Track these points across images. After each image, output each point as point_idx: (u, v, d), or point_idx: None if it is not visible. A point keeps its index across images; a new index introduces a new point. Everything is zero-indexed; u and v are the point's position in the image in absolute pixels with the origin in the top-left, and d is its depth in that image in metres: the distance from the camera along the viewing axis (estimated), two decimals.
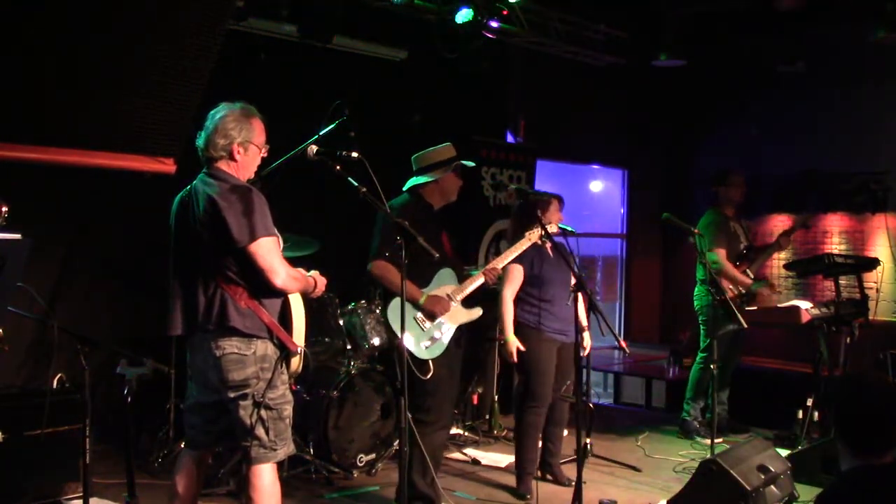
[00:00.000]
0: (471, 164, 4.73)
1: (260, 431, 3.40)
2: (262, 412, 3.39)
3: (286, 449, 3.51)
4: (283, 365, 3.50)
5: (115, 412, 4.71)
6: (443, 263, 4.50)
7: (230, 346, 3.37)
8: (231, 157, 3.47)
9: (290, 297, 3.57)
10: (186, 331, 3.49)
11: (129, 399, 4.36)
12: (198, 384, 3.56)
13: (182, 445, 3.71)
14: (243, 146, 3.47)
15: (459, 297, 4.61)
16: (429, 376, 4.39)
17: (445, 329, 4.53)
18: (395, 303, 4.37)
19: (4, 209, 3.33)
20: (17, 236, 2.68)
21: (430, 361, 4.43)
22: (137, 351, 3.90)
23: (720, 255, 6.33)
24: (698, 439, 6.39)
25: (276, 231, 3.42)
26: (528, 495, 5.09)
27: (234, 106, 3.50)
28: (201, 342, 3.43)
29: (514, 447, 5.27)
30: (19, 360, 5.14)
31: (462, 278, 4.68)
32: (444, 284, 4.59)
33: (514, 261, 5.00)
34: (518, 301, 5.11)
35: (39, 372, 5.15)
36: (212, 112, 3.52)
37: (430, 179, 4.60)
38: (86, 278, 5.56)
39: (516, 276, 5.09)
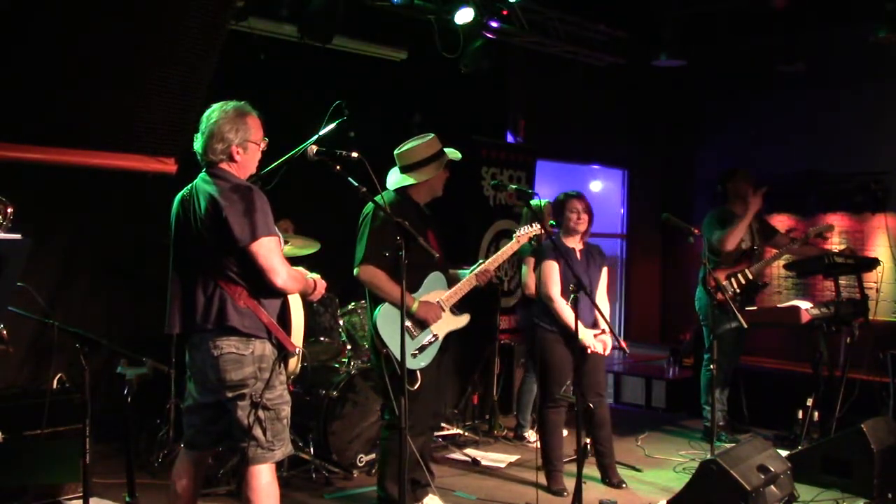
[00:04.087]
0: (457, 156, 4.60)
1: (257, 432, 3.40)
2: (260, 412, 3.39)
3: (284, 449, 3.51)
4: (282, 365, 3.49)
5: (115, 412, 4.71)
6: (433, 266, 4.38)
7: (228, 345, 3.36)
8: (231, 159, 3.46)
9: (289, 297, 3.56)
10: (185, 330, 3.48)
11: (129, 399, 4.37)
12: (197, 384, 3.55)
13: (181, 445, 3.71)
14: (242, 146, 3.46)
15: (450, 303, 4.49)
16: (416, 386, 4.27)
17: (434, 337, 4.41)
18: (385, 309, 4.27)
19: (10, 210, 3.34)
20: (17, 236, 2.68)
21: (418, 371, 4.32)
22: (137, 351, 3.89)
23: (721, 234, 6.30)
24: (724, 439, 6.32)
25: (277, 231, 3.41)
26: (564, 492, 5.12)
27: (227, 107, 3.48)
28: (200, 342, 3.43)
29: (539, 447, 5.27)
30: (19, 360, 5.14)
31: (450, 281, 4.56)
32: (434, 289, 4.45)
33: (550, 258, 5.01)
34: (539, 301, 5.13)
35: (39, 372, 5.16)
36: (205, 115, 3.50)
37: (419, 180, 4.45)
38: (86, 278, 5.56)
39: (554, 274, 5.08)
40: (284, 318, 3.54)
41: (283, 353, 3.48)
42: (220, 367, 3.37)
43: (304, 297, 3.65)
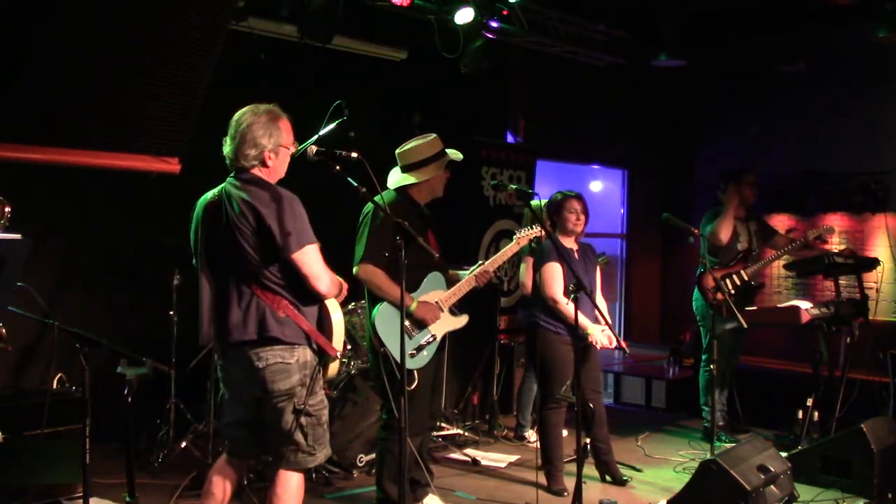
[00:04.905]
0: (458, 156, 4.58)
1: (299, 437, 3.37)
2: (302, 419, 3.36)
3: (325, 452, 3.50)
4: (320, 370, 3.46)
5: (115, 412, 4.71)
6: (432, 266, 4.38)
7: (273, 355, 3.31)
8: (263, 164, 3.41)
9: (326, 301, 3.53)
10: (219, 341, 3.42)
11: (129, 399, 4.36)
12: (234, 399, 3.52)
13: (224, 452, 3.67)
14: (274, 151, 3.41)
15: (449, 303, 4.49)
16: (413, 386, 4.26)
17: (432, 337, 4.41)
18: (384, 308, 4.27)
19: (7, 209, 3.33)
20: (17, 236, 2.68)
21: (415, 371, 4.31)
22: (137, 351, 3.89)
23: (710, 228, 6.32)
24: (724, 439, 6.32)
25: (314, 237, 3.36)
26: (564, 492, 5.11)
27: (259, 110, 3.41)
28: (238, 355, 3.37)
29: (539, 447, 5.28)
30: (19, 360, 5.14)
31: (449, 282, 4.56)
32: (433, 290, 4.45)
33: (552, 260, 5.00)
34: (540, 301, 5.12)
35: (39, 372, 5.16)
36: (236, 118, 3.42)
37: (420, 180, 4.46)
38: (86, 278, 5.56)
39: (557, 275, 5.08)
40: (322, 322, 3.51)
41: (324, 359, 3.46)
42: (267, 379, 3.32)
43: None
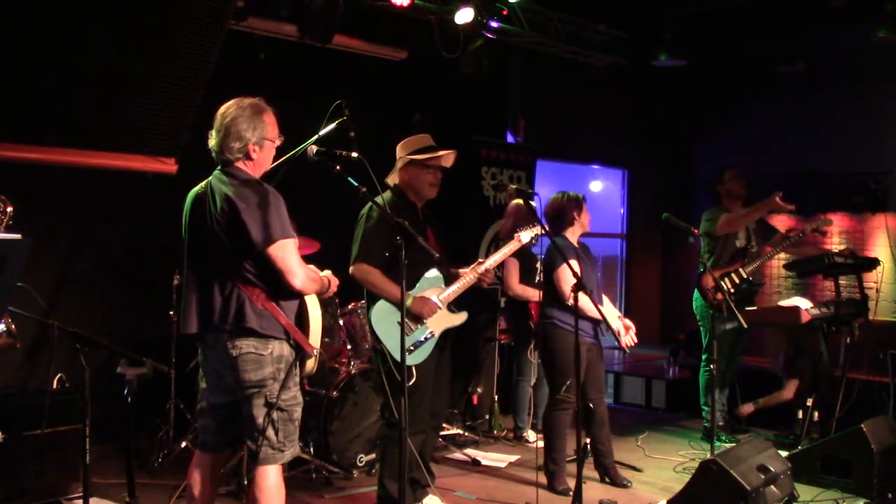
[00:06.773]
0: (421, 156, 4.48)
1: (270, 432, 3.38)
2: (274, 413, 3.37)
3: (293, 450, 3.50)
4: (297, 366, 3.48)
5: (115, 412, 4.71)
6: (430, 264, 4.38)
7: (247, 345, 3.33)
8: (247, 157, 3.43)
9: (306, 298, 3.53)
10: (201, 329, 3.44)
11: (129, 399, 4.36)
12: (210, 384, 3.53)
13: (197, 448, 3.68)
14: (258, 144, 3.42)
15: (445, 299, 4.48)
16: (411, 382, 4.24)
17: (430, 334, 4.41)
18: (380, 306, 4.28)
19: (10, 209, 3.33)
20: (18, 236, 2.68)
21: (413, 367, 4.31)
22: (137, 351, 3.89)
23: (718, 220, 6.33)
24: (724, 439, 6.32)
25: (293, 232, 3.37)
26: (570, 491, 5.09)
27: (243, 104, 3.43)
28: (216, 341, 3.40)
29: (545, 447, 5.28)
30: (19, 360, 5.15)
31: (448, 280, 4.55)
32: (430, 287, 4.45)
33: (572, 257, 4.96)
34: (555, 301, 5.11)
35: (39, 372, 5.16)
36: (221, 112, 3.44)
37: (394, 180, 4.52)
38: (86, 278, 5.57)
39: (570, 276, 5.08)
40: (302, 319, 3.52)
41: (301, 355, 3.47)
42: (240, 368, 3.34)
43: (319, 296, 3.63)
